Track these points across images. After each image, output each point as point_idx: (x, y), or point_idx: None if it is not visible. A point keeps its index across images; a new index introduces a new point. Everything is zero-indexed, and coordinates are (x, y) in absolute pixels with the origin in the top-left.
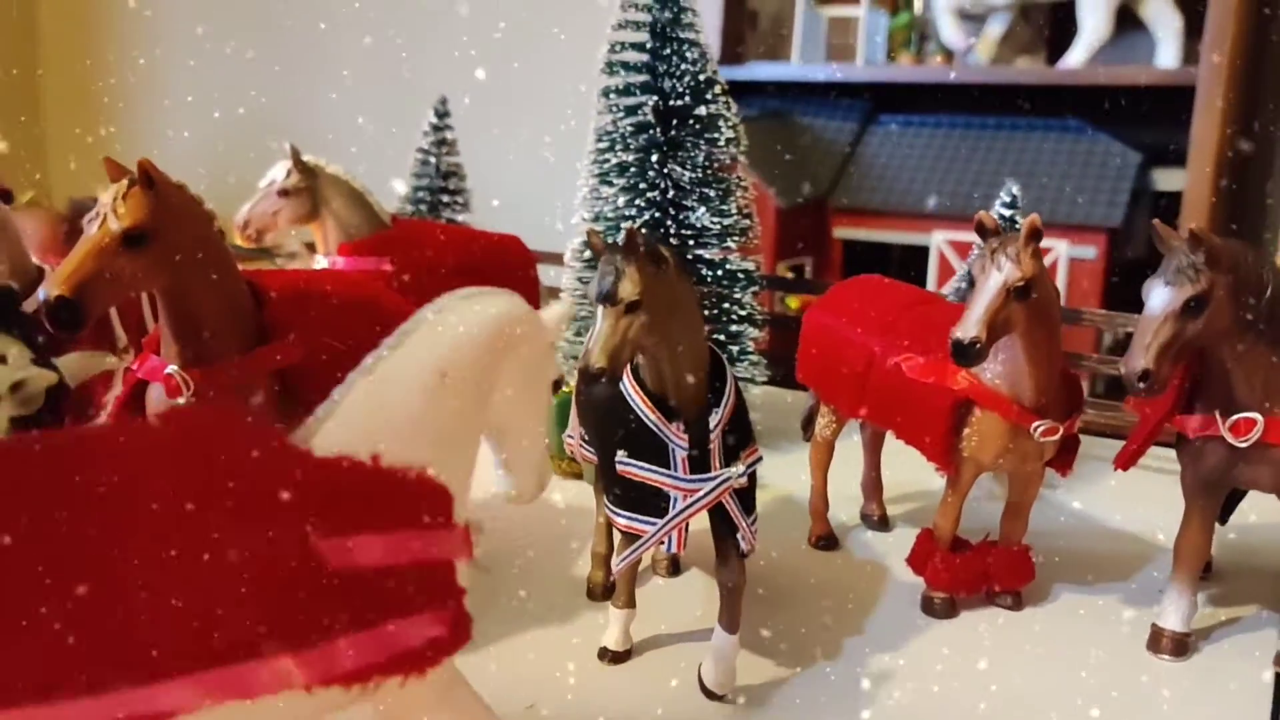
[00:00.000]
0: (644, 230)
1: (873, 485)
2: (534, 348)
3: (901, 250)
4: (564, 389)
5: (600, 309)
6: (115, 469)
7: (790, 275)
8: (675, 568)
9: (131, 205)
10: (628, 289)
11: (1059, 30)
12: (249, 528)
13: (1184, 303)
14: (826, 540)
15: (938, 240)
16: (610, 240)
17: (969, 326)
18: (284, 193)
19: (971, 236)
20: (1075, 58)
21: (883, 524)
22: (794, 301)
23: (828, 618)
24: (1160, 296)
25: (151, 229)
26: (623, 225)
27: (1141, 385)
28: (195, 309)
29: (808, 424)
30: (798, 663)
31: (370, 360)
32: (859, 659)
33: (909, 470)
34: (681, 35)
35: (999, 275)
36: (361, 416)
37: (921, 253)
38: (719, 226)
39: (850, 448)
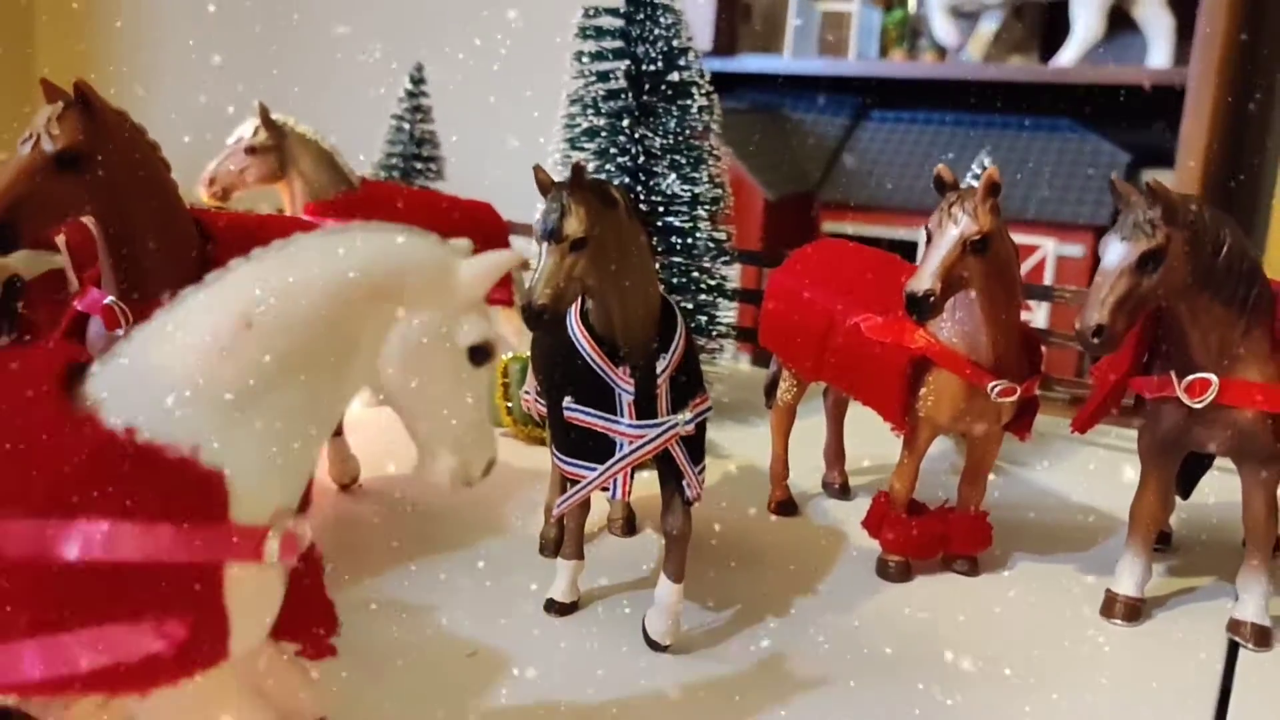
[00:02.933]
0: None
1: (835, 453)
2: (429, 301)
3: (889, 246)
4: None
5: (544, 246)
6: None
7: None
8: (630, 528)
9: (66, 127)
10: (573, 225)
11: (1052, 29)
12: None
13: (1139, 257)
14: (786, 506)
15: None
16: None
17: (923, 279)
18: (251, 150)
19: None
20: (1067, 57)
21: (844, 492)
22: None
23: (781, 579)
24: (1116, 251)
25: (86, 152)
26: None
27: (1096, 340)
28: (133, 238)
29: (770, 390)
30: (747, 621)
31: (186, 292)
32: (810, 620)
33: (872, 441)
34: (656, 1)
35: (955, 229)
36: (137, 373)
37: (909, 248)
38: (689, 194)
39: (814, 419)
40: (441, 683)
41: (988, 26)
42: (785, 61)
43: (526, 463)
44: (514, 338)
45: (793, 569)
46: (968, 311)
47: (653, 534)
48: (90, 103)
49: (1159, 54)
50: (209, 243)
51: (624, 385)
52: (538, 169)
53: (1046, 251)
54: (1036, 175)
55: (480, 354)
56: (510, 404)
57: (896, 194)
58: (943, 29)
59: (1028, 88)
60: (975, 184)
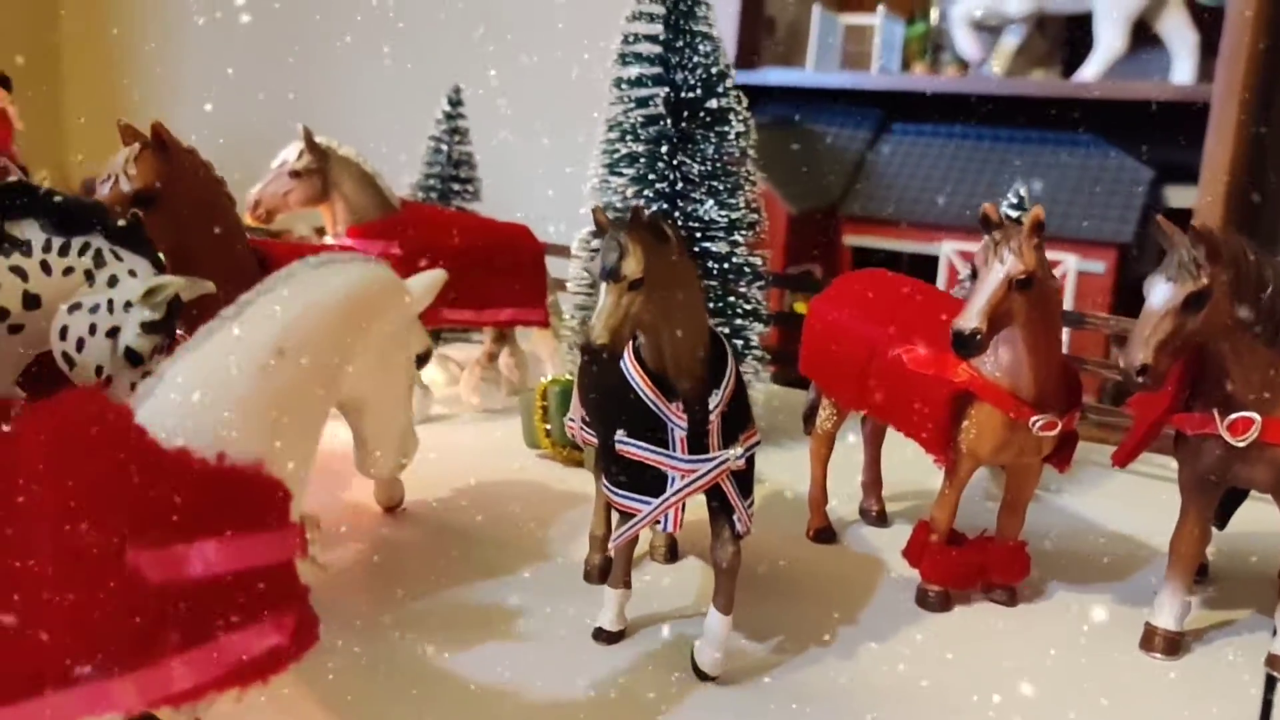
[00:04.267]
0: (649, 209)
1: (872, 481)
2: (393, 319)
3: (911, 259)
4: (570, 375)
5: (603, 285)
6: None
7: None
8: (673, 554)
9: (142, 167)
10: (631, 266)
11: (1074, 44)
12: (76, 537)
13: (1185, 298)
14: (824, 533)
15: (947, 250)
16: (615, 219)
17: (970, 317)
18: (295, 174)
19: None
20: (1090, 72)
21: (881, 520)
22: (802, 305)
23: (822, 608)
24: (1161, 292)
25: (161, 191)
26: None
27: (1140, 379)
28: (200, 268)
29: (809, 417)
30: (791, 650)
31: (202, 332)
32: (852, 649)
33: (909, 468)
34: (695, 28)
35: (1001, 267)
36: (185, 395)
37: (931, 262)
38: (726, 220)
39: (851, 446)
40: (486, 707)
41: (1010, 41)
42: (807, 75)
43: (565, 485)
44: (548, 358)
45: (833, 597)
46: (1010, 346)
47: (695, 560)
48: (166, 144)
49: (1183, 69)
50: (267, 272)
51: (677, 420)
52: (596, 210)
53: (1068, 267)
54: (1058, 190)
55: (422, 360)
56: (549, 426)
57: (918, 207)
58: (965, 43)
59: (1050, 102)
60: (1011, 211)
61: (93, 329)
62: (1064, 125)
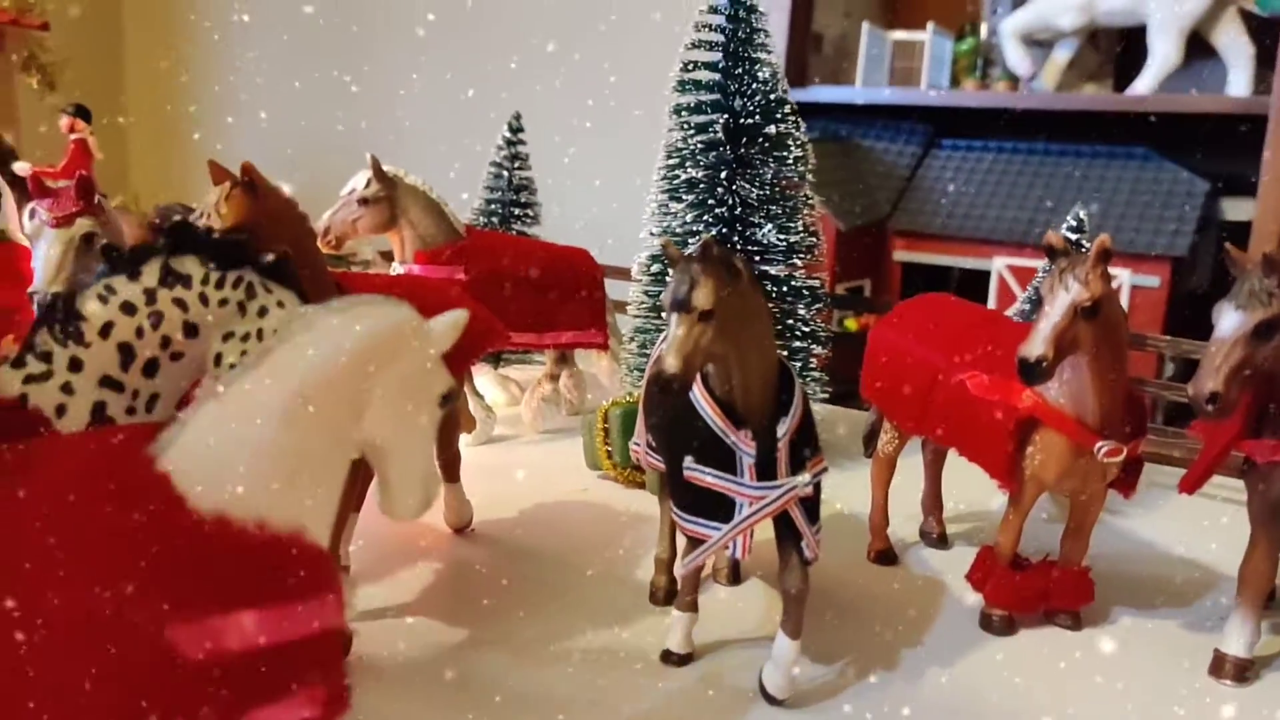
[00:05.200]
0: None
1: (933, 503)
2: (414, 361)
3: (961, 274)
4: (633, 399)
5: (674, 316)
6: None
7: (846, 295)
8: (736, 576)
9: (233, 206)
10: (702, 298)
11: (1128, 56)
12: (111, 613)
13: (1255, 326)
14: (886, 555)
15: (998, 265)
16: (685, 251)
17: (1036, 345)
18: (364, 201)
19: (1033, 262)
20: (1144, 85)
21: (941, 541)
22: (852, 323)
23: (887, 631)
24: (1231, 320)
25: (250, 228)
26: (690, 241)
27: (1210, 407)
28: None
29: (869, 440)
30: (857, 673)
31: (222, 381)
32: (917, 672)
33: (969, 489)
34: (754, 55)
35: (1067, 295)
36: (208, 445)
37: (982, 277)
38: (785, 243)
39: (910, 466)
40: None
41: (1062, 55)
42: (856, 91)
43: (627, 507)
44: (607, 380)
45: (897, 620)
46: (1075, 372)
47: (758, 583)
48: (254, 184)
49: (1239, 81)
50: None
51: (745, 448)
52: (667, 242)
53: (1121, 281)
54: (1111, 204)
55: (446, 400)
56: (610, 448)
57: (968, 223)
58: (1015, 57)
59: (1103, 116)
60: (1070, 234)
61: (244, 355)
62: (1117, 139)
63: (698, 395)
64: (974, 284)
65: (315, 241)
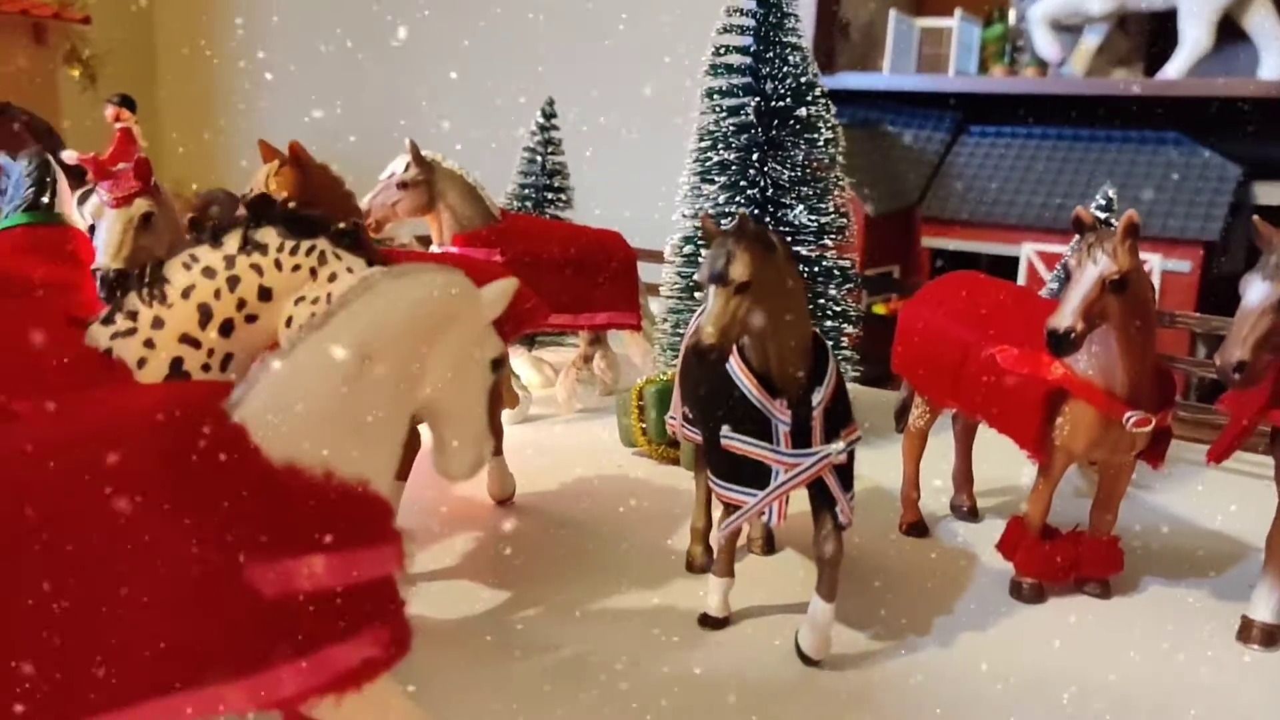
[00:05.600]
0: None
1: (963, 476)
2: (469, 326)
3: (990, 260)
4: (667, 378)
5: (712, 289)
6: (63, 488)
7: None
8: (770, 546)
9: (281, 183)
10: (739, 270)
11: (1158, 41)
12: (198, 551)
13: None
14: (917, 528)
15: (1027, 251)
16: (721, 226)
17: (1064, 317)
18: (403, 185)
19: (1061, 247)
20: (1175, 69)
21: (972, 514)
22: (881, 308)
23: (919, 599)
24: (1259, 290)
25: (298, 204)
26: (723, 222)
27: (1237, 376)
28: None
29: (901, 415)
30: (890, 638)
31: (289, 341)
32: (948, 638)
33: (999, 463)
34: (785, 39)
35: (1095, 268)
36: (276, 403)
37: (1010, 263)
38: (816, 224)
39: (940, 440)
40: (603, 686)
41: (1091, 40)
42: (884, 78)
43: (662, 481)
44: (640, 360)
45: (929, 588)
46: (1104, 345)
47: (791, 553)
48: (301, 161)
49: (1271, 65)
50: None
51: (780, 417)
52: (705, 218)
53: (1152, 266)
54: (1142, 189)
55: (497, 364)
56: (645, 425)
57: (997, 209)
58: (1044, 43)
59: (1133, 102)
60: (1099, 213)
61: (312, 318)
62: (1148, 124)
63: (734, 366)
64: (1003, 270)
65: (362, 219)
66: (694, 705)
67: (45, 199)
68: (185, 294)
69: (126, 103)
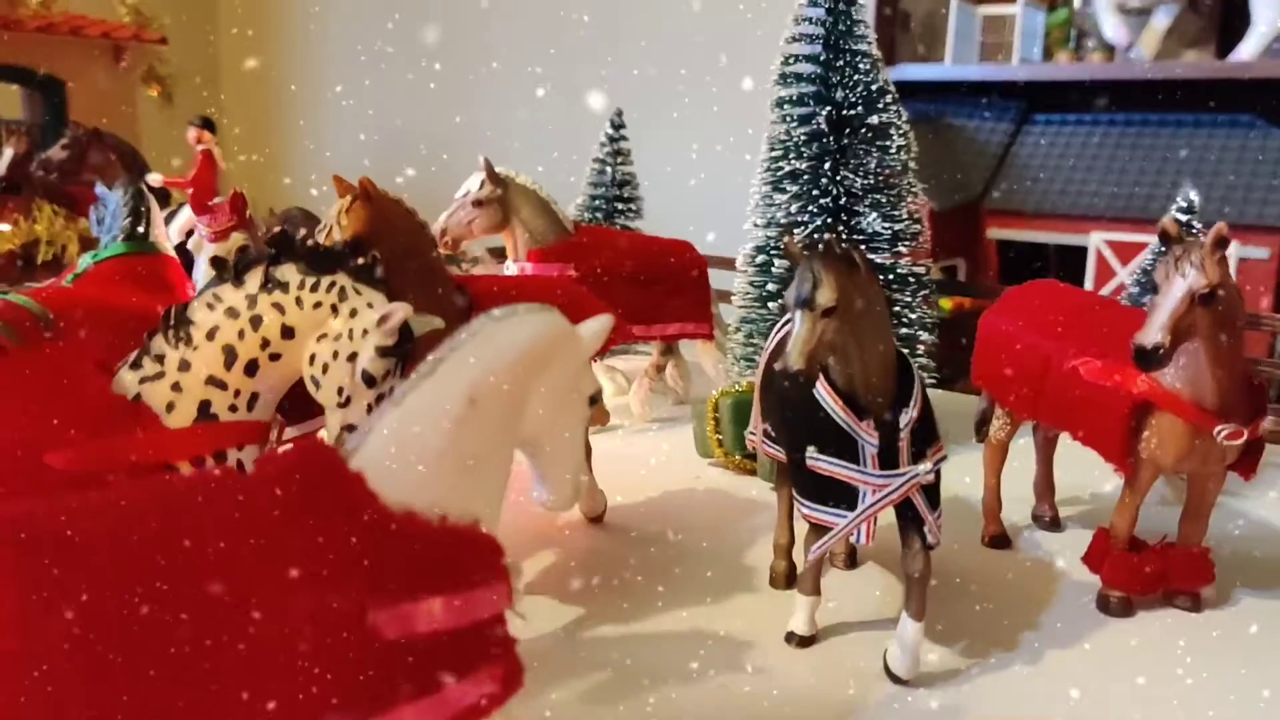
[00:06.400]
0: (841, 239)
1: (1045, 486)
2: (569, 364)
3: (1057, 251)
4: (742, 388)
5: (798, 313)
6: (196, 541)
7: (941, 276)
8: (852, 561)
9: (353, 218)
10: (825, 295)
11: (1230, 21)
12: (323, 599)
13: None
14: (1000, 539)
15: (1095, 241)
16: (806, 248)
17: (1153, 332)
18: (478, 203)
19: (1132, 237)
20: (1248, 50)
21: (1054, 525)
22: (946, 303)
23: (1005, 613)
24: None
25: (369, 237)
26: (795, 230)
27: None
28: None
29: (981, 425)
30: (978, 654)
31: (401, 390)
32: (1037, 654)
33: (1080, 472)
34: (854, 47)
35: (1183, 282)
36: (391, 448)
37: (1079, 254)
38: (890, 232)
39: (1020, 450)
40: (689, 706)
41: (1160, 22)
42: (946, 69)
43: (741, 493)
44: (712, 370)
45: (1014, 602)
46: (1191, 356)
47: (873, 567)
48: (371, 196)
49: None
50: (473, 307)
51: (868, 438)
52: (789, 241)
53: (1230, 254)
54: (1216, 175)
55: (594, 400)
56: (721, 436)
57: (1064, 199)
58: (1111, 27)
59: (1205, 85)
60: (1180, 215)
61: (335, 355)
62: (1221, 107)
63: (819, 387)
64: (1071, 261)
65: (434, 246)
66: None
67: (141, 229)
68: (210, 335)
69: (207, 125)
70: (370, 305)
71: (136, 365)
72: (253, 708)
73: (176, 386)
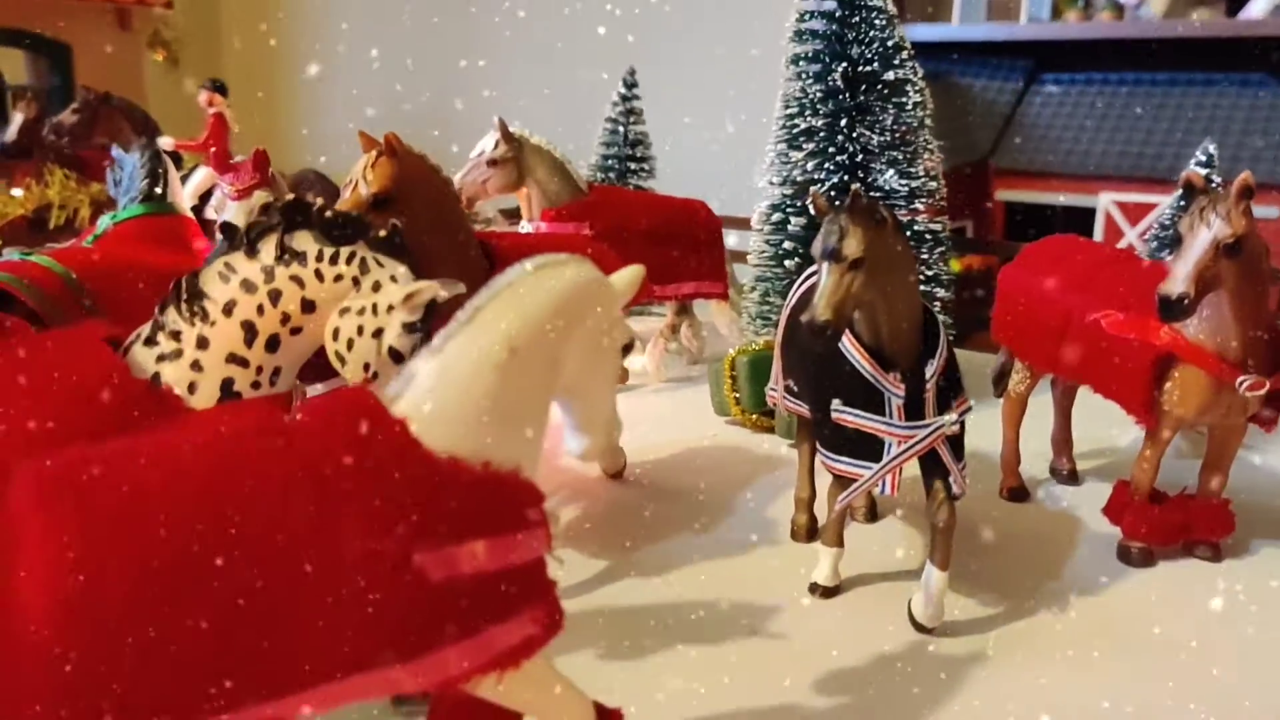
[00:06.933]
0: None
1: (1063, 440)
2: (603, 314)
3: (1065, 212)
4: (759, 346)
5: (825, 266)
6: (247, 487)
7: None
8: (873, 514)
9: (378, 173)
10: (852, 247)
11: None
12: (371, 543)
13: None
14: (1018, 492)
15: (1104, 201)
16: (834, 201)
17: (1178, 283)
18: (493, 163)
19: (1142, 197)
20: (1259, 8)
21: (1072, 478)
22: (955, 264)
23: (1025, 564)
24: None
25: (394, 192)
26: (811, 189)
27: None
28: (435, 265)
29: (999, 380)
30: (1001, 603)
31: (440, 338)
32: (1062, 603)
33: (1098, 426)
34: (869, 2)
35: (1208, 232)
36: (433, 396)
37: (1087, 215)
38: (907, 189)
39: (1037, 404)
40: (715, 655)
41: None
42: (953, 29)
43: (759, 450)
44: (726, 329)
45: (1034, 554)
46: (1215, 308)
47: (894, 520)
48: (397, 151)
49: None
50: (494, 265)
51: (894, 390)
52: (815, 194)
53: None
54: (1225, 134)
55: (627, 350)
56: (738, 395)
57: (1072, 159)
58: None
59: (1215, 43)
60: (1199, 169)
61: (360, 330)
62: (1231, 66)
63: (845, 341)
64: (1079, 222)
65: (458, 204)
66: (807, 673)
67: (159, 189)
68: (228, 311)
69: (219, 88)
70: (394, 278)
71: (151, 341)
72: (302, 652)
73: (197, 365)
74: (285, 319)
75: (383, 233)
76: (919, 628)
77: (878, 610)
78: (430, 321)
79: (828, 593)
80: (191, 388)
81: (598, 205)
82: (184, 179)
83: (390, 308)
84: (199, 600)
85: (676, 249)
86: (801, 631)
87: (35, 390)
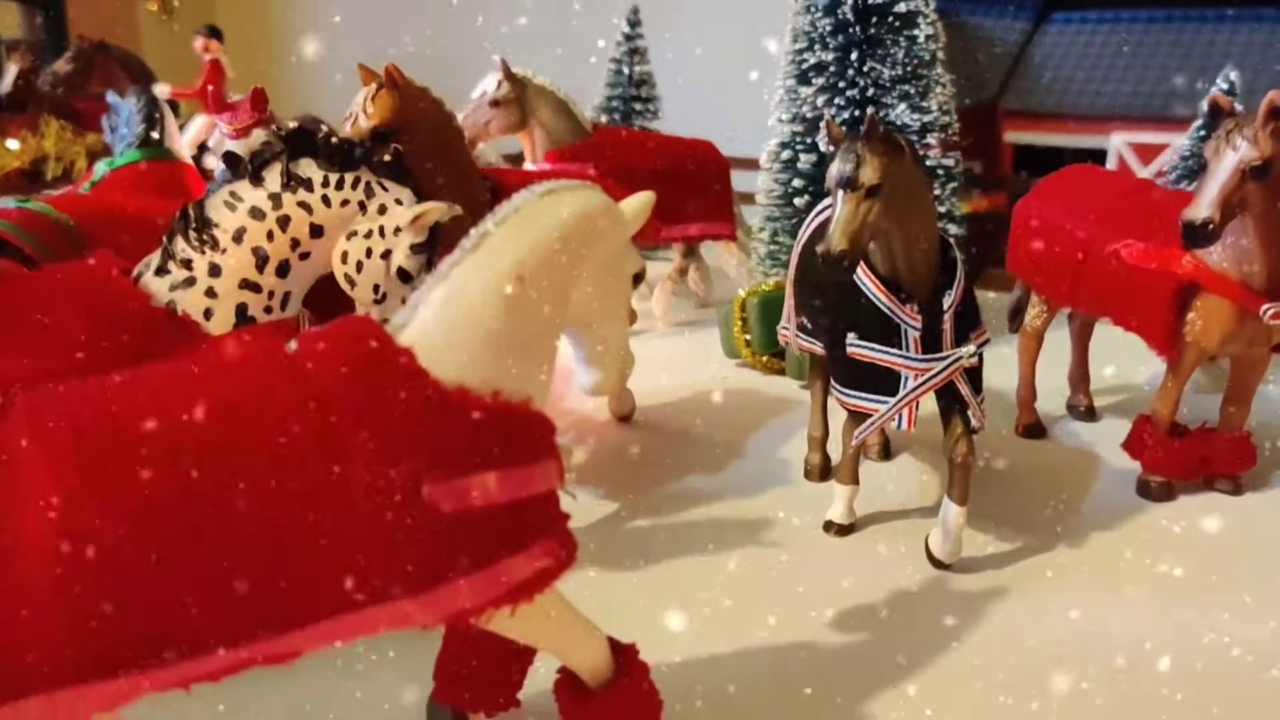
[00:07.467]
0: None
1: (1080, 376)
2: (613, 241)
3: (1076, 154)
4: (769, 287)
5: (840, 194)
6: (256, 416)
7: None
8: (886, 452)
9: (379, 105)
10: (868, 174)
11: None
12: (379, 474)
13: None
14: (1034, 429)
15: (1116, 143)
16: (845, 129)
17: (1202, 207)
18: (495, 103)
19: (1155, 137)
20: None
21: (1089, 414)
22: (964, 205)
23: (1043, 500)
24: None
25: (395, 125)
26: (821, 124)
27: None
28: (435, 198)
29: (1015, 315)
30: (1020, 539)
31: (446, 265)
32: (1080, 538)
33: (1115, 363)
34: None
35: (1234, 155)
36: (439, 324)
37: (1098, 156)
38: (919, 123)
39: (1054, 340)
40: (731, 592)
41: None
42: None
43: (770, 391)
44: (734, 271)
45: (1052, 489)
46: (1239, 234)
47: (908, 458)
48: (397, 83)
49: None
50: (499, 199)
51: (910, 321)
52: (830, 122)
53: None
54: (1242, 72)
55: (638, 279)
56: (748, 336)
57: (1083, 100)
58: None
59: None
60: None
61: (368, 253)
62: (1247, 1)
63: (860, 273)
64: (1090, 163)
65: (461, 139)
66: (824, 611)
67: (156, 134)
68: (237, 238)
69: (214, 34)
70: (399, 201)
71: (162, 270)
72: (310, 584)
73: (211, 292)
74: (295, 244)
75: (386, 157)
76: (937, 564)
77: (893, 548)
78: (436, 241)
79: (843, 530)
80: (207, 314)
81: (602, 146)
82: (181, 128)
83: (397, 229)
84: (202, 530)
85: (683, 189)
86: (817, 569)
87: (60, 323)
